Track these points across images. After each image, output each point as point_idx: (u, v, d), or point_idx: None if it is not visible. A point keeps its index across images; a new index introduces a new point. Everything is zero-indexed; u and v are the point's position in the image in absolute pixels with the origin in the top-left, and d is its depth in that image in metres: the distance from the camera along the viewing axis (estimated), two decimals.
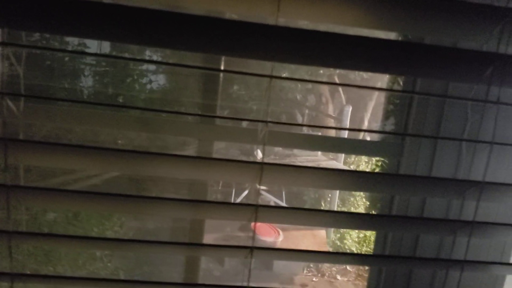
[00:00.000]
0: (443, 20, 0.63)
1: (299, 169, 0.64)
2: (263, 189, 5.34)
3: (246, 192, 5.12)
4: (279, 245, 4.58)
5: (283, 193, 5.41)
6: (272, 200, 5.23)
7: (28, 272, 0.68)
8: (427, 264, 0.71)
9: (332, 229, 5.24)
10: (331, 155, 5.94)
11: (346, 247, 5.02)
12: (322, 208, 5.64)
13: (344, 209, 5.58)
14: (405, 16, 0.63)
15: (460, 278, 0.75)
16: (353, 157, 6.32)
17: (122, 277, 4.07)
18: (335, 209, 5.40)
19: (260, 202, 4.96)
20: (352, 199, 5.79)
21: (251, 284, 0.69)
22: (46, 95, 0.68)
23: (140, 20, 0.58)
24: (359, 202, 5.76)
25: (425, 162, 0.74)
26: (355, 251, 4.99)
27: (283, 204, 5.30)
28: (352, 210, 5.57)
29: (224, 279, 4.08)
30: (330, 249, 4.96)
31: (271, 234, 4.36)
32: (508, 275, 0.79)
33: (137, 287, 0.69)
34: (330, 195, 5.64)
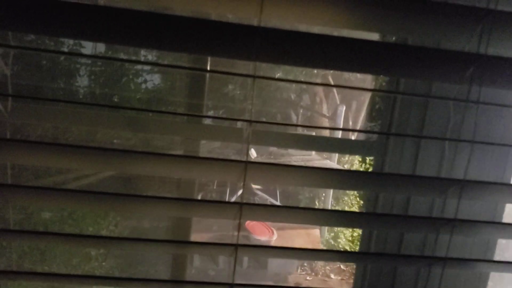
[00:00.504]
0: (425, 21, 0.64)
1: (283, 168, 0.65)
2: (258, 189, 5.35)
3: (240, 191, 5.13)
4: (273, 242, 4.60)
5: (278, 192, 5.43)
6: (267, 199, 5.24)
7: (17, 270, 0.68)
8: (411, 261, 0.73)
9: (326, 229, 5.25)
10: (325, 154, 5.97)
11: (340, 246, 5.04)
12: (316, 207, 5.65)
13: (338, 207, 5.60)
14: (388, 17, 0.64)
15: (442, 274, 0.76)
16: (347, 157, 6.35)
17: (117, 275, 4.06)
18: (329, 206, 5.42)
19: (258, 200, 4.97)
20: (346, 198, 5.82)
21: (237, 281, 0.70)
22: (36, 94, 0.68)
23: (127, 21, 0.59)
24: (353, 201, 5.78)
25: (409, 160, 0.75)
26: (348, 249, 5.01)
27: (278, 203, 5.31)
28: (346, 209, 5.59)
29: (219, 278, 4.09)
30: (324, 247, 4.99)
31: (265, 233, 4.38)
32: (492, 272, 0.81)
33: (125, 284, 0.69)
34: (324, 194, 5.66)
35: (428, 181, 0.69)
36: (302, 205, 5.72)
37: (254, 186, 5.30)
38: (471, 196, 0.69)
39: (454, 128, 0.71)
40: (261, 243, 4.45)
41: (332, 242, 5.15)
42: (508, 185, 0.68)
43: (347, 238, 5.15)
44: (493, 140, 0.71)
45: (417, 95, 0.72)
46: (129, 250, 0.65)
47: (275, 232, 4.43)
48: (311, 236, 4.77)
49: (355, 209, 5.63)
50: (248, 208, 0.66)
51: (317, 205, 5.66)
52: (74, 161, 0.65)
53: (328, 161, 5.90)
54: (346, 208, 5.60)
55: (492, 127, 0.71)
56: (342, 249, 5.04)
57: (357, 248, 5.00)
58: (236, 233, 0.67)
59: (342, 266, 4.70)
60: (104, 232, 4.40)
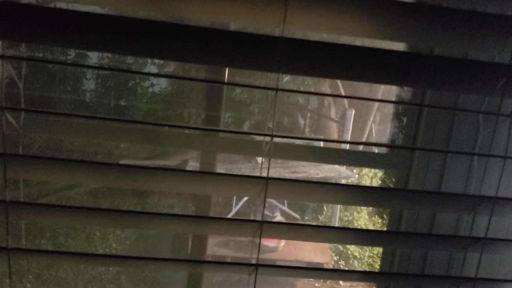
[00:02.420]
0: (453, 31, 0.62)
1: (304, 184, 0.62)
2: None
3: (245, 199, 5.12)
4: (281, 249, 4.56)
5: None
6: (275, 205, 5.21)
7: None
8: (437, 281, 0.69)
9: None
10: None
11: (349, 252, 4.99)
12: (324, 212, 5.61)
13: (347, 213, 5.55)
14: (414, 26, 0.61)
15: None
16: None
17: (124, 281, 4.06)
18: (337, 213, 5.38)
19: (267, 206, 4.93)
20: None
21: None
22: (47, 103, 0.66)
23: (145, 32, 0.57)
24: (362, 207, 5.72)
25: (435, 174, 0.72)
26: (358, 256, 4.96)
27: (285, 208, 5.28)
28: (355, 214, 5.54)
29: (227, 284, 4.06)
30: (332, 253, 4.93)
31: (273, 239, 4.34)
32: None
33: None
34: None
35: (457, 198, 0.66)
36: (310, 210, 5.68)
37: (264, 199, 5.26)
38: (503, 213, 0.66)
39: (484, 142, 0.68)
40: (269, 249, 4.42)
41: (341, 248, 5.10)
42: None
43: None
44: None
45: (443, 107, 0.69)
46: (143, 269, 0.62)
47: None
48: None
49: (364, 214, 5.57)
50: (269, 226, 0.63)
51: (325, 210, 5.61)
52: (89, 177, 0.63)
53: (337, 165, 5.86)
54: (355, 214, 5.55)
55: None
56: (350, 255, 4.99)
57: (366, 255, 4.95)
58: (255, 254, 0.64)
59: None
60: (110, 236, 4.40)
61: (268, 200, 5.25)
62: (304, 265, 4.44)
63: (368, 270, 4.60)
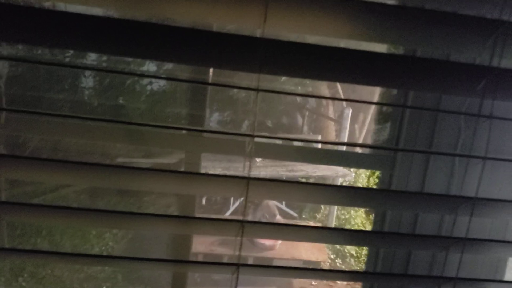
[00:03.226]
0: (435, 33, 0.62)
1: (285, 184, 0.63)
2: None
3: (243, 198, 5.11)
4: (278, 247, 4.57)
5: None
6: (272, 202, 5.21)
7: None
8: (419, 281, 0.70)
9: None
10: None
11: (346, 250, 5.00)
12: (321, 210, 5.62)
13: (344, 212, 5.56)
14: (396, 28, 0.62)
15: None
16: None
17: (120, 280, 4.06)
18: (334, 212, 5.38)
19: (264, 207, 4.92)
20: None
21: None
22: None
23: (128, 32, 0.57)
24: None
25: (417, 175, 0.73)
26: (355, 254, 4.97)
27: (281, 205, 5.28)
28: (352, 213, 5.55)
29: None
30: (329, 252, 4.94)
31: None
32: None
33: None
34: None
35: (438, 198, 0.66)
36: (307, 209, 5.69)
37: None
38: (483, 214, 0.66)
39: (465, 143, 0.68)
40: (266, 247, 4.43)
41: (338, 246, 5.10)
42: None
43: None
44: (506, 156, 0.68)
45: (426, 109, 0.69)
46: (129, 268, 0.63)
47: None
48: None
49: (361, 213, 5.58)
50: (250, 225, 0.63)
51: (323, 209, 5.61)
52: (72, 177, 0.63)
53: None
54: (352, 212, 5.56)
55: (505, 142, 0.68)
56: (347, 253, 5.01)
57: (363, 252, 4.96)
58: (237, 252, 0.64)
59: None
60: (107, 235, 4.40)
61: (267, 200, 5.25)
62: (301, 264, 4.45)
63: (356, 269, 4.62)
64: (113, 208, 4.73)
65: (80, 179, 0.64)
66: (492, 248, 0.68)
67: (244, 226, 0.63)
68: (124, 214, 0.64)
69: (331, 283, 4.49)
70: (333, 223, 5.35)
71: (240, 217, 0.63)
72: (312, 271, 0.68)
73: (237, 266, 0.63)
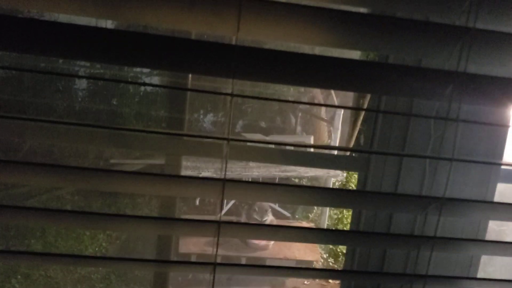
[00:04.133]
0: (406, 40, 0.64)
1: (259, 185, 0.65)
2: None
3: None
4: (271, 247, 4.60)
5: None
6: (266, 205, 5.24)
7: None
8: (393, 279, 0.72)
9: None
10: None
11: (338, 250, 5.04)
12: (314, 210, 5.65)
13: (337, 212, 5.59)
14: (368, 36, 0.64)
15: None
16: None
17: (113, 281, 4.07)
18: (327, 212, 5.42)
19: (257, 208, 4.94)
20: None
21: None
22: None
23: (106, 40, 0.59)
24: None
25: (391, 175, 0.75)
26: (342, 255, 5.01)
27: (274, 205, 5.31)
28: (344, 212, 5.59)
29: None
30: (322, 251, 4.98)
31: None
32: None
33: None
34: None
35: (409, 199, 0.69)
36: (300, 209, 5.72)
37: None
38: (451, 213, 0.69)
39: (434, 146, 0.71)
40: (259, 247, 4.46)
41: (331, 246, 5.14)
42: (488, 202, 0.68)
43: None
44: (474, 157, 0.70)
45: (398, 113, 0.72)
46: (110, 268, 0.64)
47: None
48: None
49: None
50: (227, 226, 0.65)
51: (315, 209, 5.65)
52: (56, 180, 0.65)
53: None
54: (345, 212, 5.59)
55: (472, 144, 0.71)
56: (340, 252, 5.04)
57: None
58: (215, 251, 0.66)
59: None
60: (100, 236, 4.41)
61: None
62: (293, 264, 4.47)
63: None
64: (108, 208, 4.75)
65: (65, 182, 0.66)
66: (461, 247, 0.71)
67: (220, 227, 0.65)
68: (106, 216, 0.66)
69: (323, 282, 4.52)
70: (325, 223, 5.38)
71: (218, 218, 0.65)
72: (290, 269, 0.70)
73: (214, 265, 0.65)
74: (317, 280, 4.53)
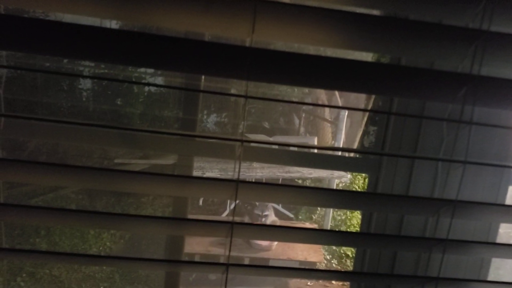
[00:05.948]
0: (419, 42, 0.64)
1: (272, 187, 0.65)
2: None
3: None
4: (274, 248, 4.59)
5: None
6: (269, 205, 5.24)
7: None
8: (404, 280, 0.72)
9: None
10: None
11: (342, 251, 5.02)
12: (317, 211, 5.64)
13: (340, 213, 5.58)
14: (381, 38, 0.64)
15: None
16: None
17: (117, 280, 4.08)
18: (330, 213, 5.41)
19: (258, 207, 4.95)
20: None
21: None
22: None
23: (121, 41, 0.59)
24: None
25: (403, 177, 0.75)
26: (350, 255, 4.99)
27: (278, 206, 5.31)
28: (348, 214, 5.58)
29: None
30: (325, 252, 4.97)
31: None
32: None
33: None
34: None
35: (421, 201, 0.69)
36: (303, 210, 5.71)
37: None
38: (464, 216, 0.69)
39: (447, 148, 0.71)
40: (262, 248, 4.45)
41: (334, 247, 5.13)
42: (500, 205, 0.68)
43: None
44: (486, 160, 0.70)
45: (410, 115, 0.72)
46: (121, 268, 0.65)
47: None
48: None
49: (358, 213, 5.61)
50: (239, 227, 0.66)
51: (319, 210, 5.64)
52: (67, 180, 0.66)
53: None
54: (348, 213, 5.58)
55: (485, 147, 0.71)
56: (343, 253, 5.03)
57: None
58: (227, 252, 0.67)
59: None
60: (105, 235, 4.42)
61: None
62: (296, 265, 4.47)
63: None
64: (112, 207, 4.77)
65: (76, 182, 0.67)
66: (473, 249, 0.71)
67: (233, 227, 0.65)
68: (119, 216, 0.66)
69: (326, 283, 4.51)
70: (329, 224, 5.37)
71: (231, 219, 0.65)
72: (300, 270, 0.71)
73: (227, 266, 0.66)
74: (321, 281, 4.52)
